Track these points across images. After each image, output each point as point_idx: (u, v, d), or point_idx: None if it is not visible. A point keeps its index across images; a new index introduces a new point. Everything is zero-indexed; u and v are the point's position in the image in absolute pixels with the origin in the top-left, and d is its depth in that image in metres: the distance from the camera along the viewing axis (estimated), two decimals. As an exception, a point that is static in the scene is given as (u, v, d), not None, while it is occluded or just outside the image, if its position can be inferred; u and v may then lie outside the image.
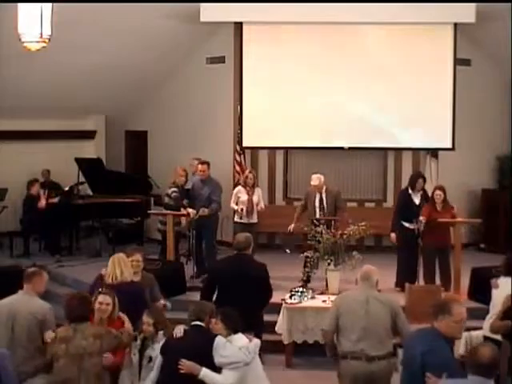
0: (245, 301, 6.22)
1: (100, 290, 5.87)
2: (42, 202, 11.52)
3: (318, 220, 9.36)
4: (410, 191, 9.56)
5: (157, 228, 10.60)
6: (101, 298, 5.70)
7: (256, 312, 6.68)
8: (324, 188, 9.84)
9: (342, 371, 5.60)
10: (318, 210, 9.79)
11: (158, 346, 5.48)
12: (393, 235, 9.59)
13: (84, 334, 5.22)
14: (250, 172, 10.50)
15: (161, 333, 5.57)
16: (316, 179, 9.81)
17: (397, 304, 5.75)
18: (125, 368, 5.54)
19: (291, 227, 9.86)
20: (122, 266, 6.59)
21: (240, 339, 5.42)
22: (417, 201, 9.51)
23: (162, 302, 7.01)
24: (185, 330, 5.35)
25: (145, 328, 5.59)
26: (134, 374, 5.56)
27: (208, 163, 10.23)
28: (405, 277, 9.16)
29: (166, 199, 10.32)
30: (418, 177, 9.70)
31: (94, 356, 5.19)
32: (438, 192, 9.19)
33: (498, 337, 5.81)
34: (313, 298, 8.13)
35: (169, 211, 10.04)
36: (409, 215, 9.36)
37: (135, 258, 6.97)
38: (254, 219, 10.27)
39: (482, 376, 4.12)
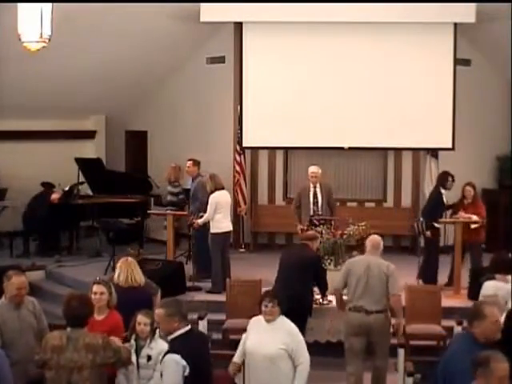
0: (295, 280, 7.26)
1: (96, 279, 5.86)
2: (55, 196, 11.55)
3: (317, 220, 9.33)
4: (442, 191, 9.63)
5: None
6: (95, 287, 5.69)
7: (303, 291, 7.37)
8: (318, 182, 9.89)
9: (348, 321, 6.82)
10: (312, 205, 9.78)
11: (155, 345, 5.55)
12: (429, 232, 9.55)
13: (77, 345, 4.82)
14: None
15: (157, 331, 5.58)
16: (315, 168, 9.93)
17: (392, 267, 6.77)
18: (121, 370, 5.47)
19: (300, 228, 9.70)
20: (139, 269, 6.56)
21: (285, 322, 5.56)
22: (445, 200, 9.66)
23: None
24: (185, 336, 4.96)
25: (142, 328, 5.60)
26: (131, 375, 5.54)
27: (194, 160, 10.23)
28: (430, 277, 9.24)
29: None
30: (448, 175, 9.84)
31: (84, 369, 4.79)
32: (467, 188, 9.56)
33: None
34: (313, 297, 8.12)
35: (169, 211, 10.05)
36: (439, 215, 9.52)
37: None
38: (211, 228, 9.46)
39: None
